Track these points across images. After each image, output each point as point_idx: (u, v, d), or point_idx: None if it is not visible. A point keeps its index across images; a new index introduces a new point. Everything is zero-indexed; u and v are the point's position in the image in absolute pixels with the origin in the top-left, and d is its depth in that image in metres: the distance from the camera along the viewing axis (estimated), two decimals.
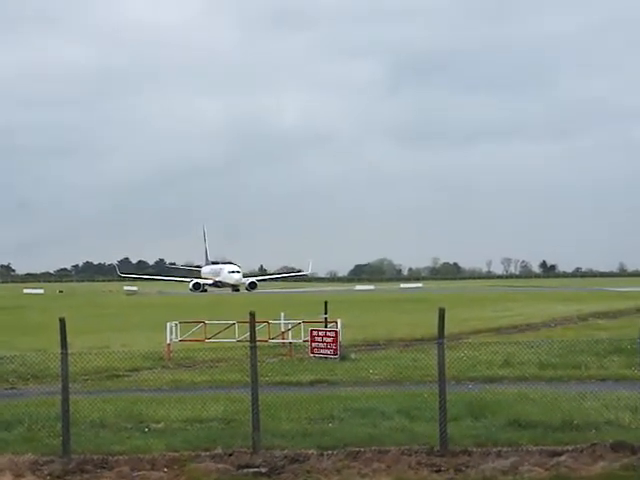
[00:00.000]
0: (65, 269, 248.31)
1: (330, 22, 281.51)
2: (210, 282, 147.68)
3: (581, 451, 15.67)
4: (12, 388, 26.09)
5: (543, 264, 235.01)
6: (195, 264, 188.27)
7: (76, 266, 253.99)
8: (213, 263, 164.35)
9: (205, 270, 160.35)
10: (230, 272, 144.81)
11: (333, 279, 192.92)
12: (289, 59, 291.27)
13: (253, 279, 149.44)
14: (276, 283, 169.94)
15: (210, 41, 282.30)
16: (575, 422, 17.49)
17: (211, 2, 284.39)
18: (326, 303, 34.49)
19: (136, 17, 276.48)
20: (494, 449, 15.90)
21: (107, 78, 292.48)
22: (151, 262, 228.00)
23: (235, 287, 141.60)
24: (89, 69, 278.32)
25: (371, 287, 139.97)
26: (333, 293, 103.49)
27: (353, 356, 30.99)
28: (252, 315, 16.97)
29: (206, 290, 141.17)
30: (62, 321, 16.20)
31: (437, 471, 15.15)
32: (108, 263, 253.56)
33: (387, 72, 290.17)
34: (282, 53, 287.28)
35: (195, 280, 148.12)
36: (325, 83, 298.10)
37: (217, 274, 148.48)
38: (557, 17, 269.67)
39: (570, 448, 15.81)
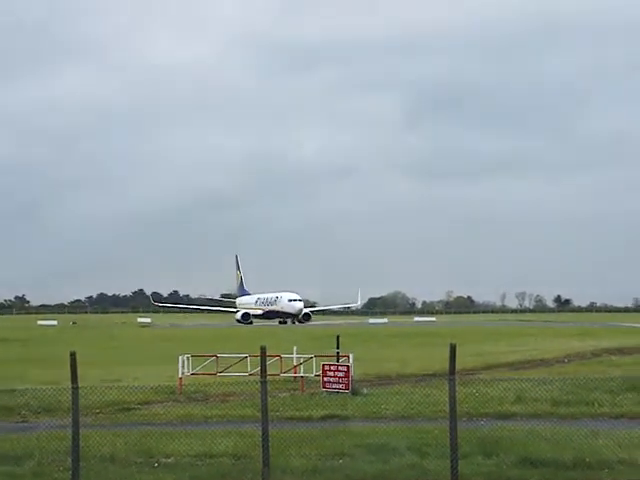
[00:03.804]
0: (79, 300, 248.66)
1: (347, 58, 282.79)
2: (259, 312, 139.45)
3: None
4: (23, 421, 26.01)
5: (557, 298, 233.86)
6: (207, 296, 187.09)
7: (90, 297, 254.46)
8: (243, 294, 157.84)
9: (245, 300, 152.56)
10: (291, 300, 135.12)
11: (347, 312, 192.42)
12: (307, 95, 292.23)
13: (307, 310, 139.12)
14: None
15: (229, 77, 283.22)
16: (587, 460, 17.37)
17: (229, 39, 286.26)
18: (338, 337, 34.46)
19: (155, 53, 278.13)
20: None
21: (124, 112, 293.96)
22: (165, 294, 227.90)
23: (294, 317, 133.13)
24: (106, 103, 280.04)
25: (385, 320, 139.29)
26: (346, 326, 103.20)
27: (365, 391, 30.85)
28: (263, 349, 16.96)
29: (252, 322, 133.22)
30: (73, 355, 16.21)
31: None
32: (122, 294, 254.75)
33: (404, 107, 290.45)
34: (300, 89, 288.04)
35: (244, 310, 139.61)
36: (342, 118, 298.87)
37: (271, 303, 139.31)
38: (574, 53, 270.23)
39: None
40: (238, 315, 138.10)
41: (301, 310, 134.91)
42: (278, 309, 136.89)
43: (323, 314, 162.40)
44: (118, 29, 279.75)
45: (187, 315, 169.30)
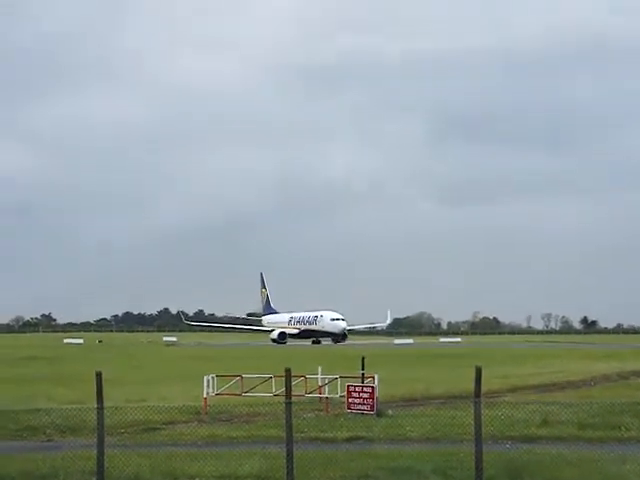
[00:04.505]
0: (105, 319, 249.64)
1: (376, 79, 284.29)
2: (295, 332, 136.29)
3: None
4: (49, 440, 26.09)
5: (584, 320, 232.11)
6: (233, 315, 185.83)
7: (116, 316, 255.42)
8: (269, 312, 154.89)
9: (274, 319, 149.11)
10: (333, 320, 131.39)
11: (372, 332, 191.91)
12: (336, 116, 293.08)
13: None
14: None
15: (256, 98, 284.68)
16: None
17: (256, 61, 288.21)
18: (363, 359, 34.31)
19: (183, 73, 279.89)
20: None
21: (152, 132, 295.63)
22: (190, 313, 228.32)
23: (335, 337, 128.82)
24: (136, 122, 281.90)
25: (410, 341, 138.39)
26: (372, 347, 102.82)
27: (390, 412, 30.73)
28: (288, 371, 16.96)
29: (286, 342, 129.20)
30: (99, 375, 16.26)
31: None
32: (148, 313, 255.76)
33: (429, 129, 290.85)
34: (329, 110, 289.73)
35: (280, 330, 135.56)
36: (369, 140, 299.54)
37: (310, 322, 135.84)
38: (605, 73, 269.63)
39: None
40: (274, 334, 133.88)
41: (344, 330, 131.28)
42: (318, 328, 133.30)
43: (349, 334, 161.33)
44: (148, 48, 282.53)
45: (214, 334, 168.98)
